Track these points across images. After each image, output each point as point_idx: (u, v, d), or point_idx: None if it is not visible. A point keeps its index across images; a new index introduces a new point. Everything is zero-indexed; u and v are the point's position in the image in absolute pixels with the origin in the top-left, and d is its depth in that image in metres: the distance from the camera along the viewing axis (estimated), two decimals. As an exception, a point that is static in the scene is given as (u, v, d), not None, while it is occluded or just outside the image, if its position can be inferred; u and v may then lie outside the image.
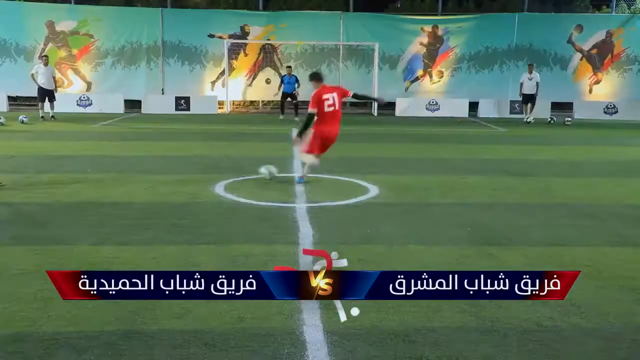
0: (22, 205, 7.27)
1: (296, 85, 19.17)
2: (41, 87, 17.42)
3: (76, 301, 4.31)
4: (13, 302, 4.30)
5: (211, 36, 21.98)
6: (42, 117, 17.41)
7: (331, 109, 8.45)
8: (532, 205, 7.85)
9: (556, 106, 21.82)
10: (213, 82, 22.26)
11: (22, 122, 16.49)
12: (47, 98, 17.56)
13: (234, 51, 22.02)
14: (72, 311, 4.16)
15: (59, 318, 4.05)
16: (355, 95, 8.97)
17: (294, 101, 19.42)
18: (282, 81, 19.58)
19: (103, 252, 5.51)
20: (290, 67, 20.13)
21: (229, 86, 21.64)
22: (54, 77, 17.88)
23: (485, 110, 21.60)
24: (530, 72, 19.61)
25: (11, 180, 8.54)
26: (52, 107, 17.72)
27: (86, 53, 21.91)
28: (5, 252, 5.45)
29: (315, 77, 8.62)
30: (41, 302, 4.30)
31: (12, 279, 4.76)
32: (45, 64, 17.67)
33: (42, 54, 18.95)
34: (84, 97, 20.98)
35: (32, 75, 17.54)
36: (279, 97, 20.61)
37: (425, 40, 22.51)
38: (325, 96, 8.45)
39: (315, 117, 8.45)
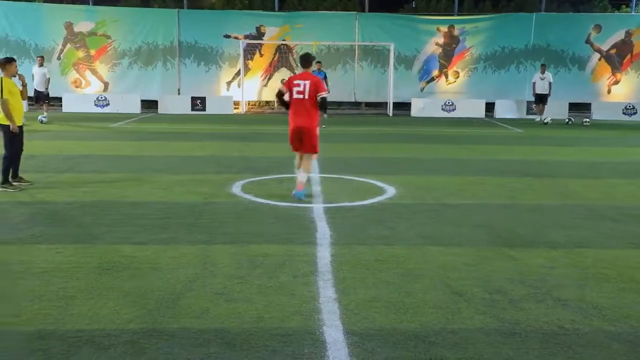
0: (43, 204, 7.36)
1: (325, 80, 18.97)
2: (35, 89, 17.22)
3: (97, 299, 4.39)
4: (36, 300, 4.35)
5: (227, 37, 22.08)
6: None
7: (299, 96, 7.64)
8: (551, 206, 7.78)
9: (574, 107, 21.61)
10: (229, 83, 22.36)
11: (42, 122, 16.66)
12: (40, 99, 17.34)
13: (250, 52, 22.10)
14: (93, 309, 4.20)
15: (81, 316, 4.09)
16: (322, 100, 7.70)
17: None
18: None
19: (123, 251, 5.55)
20: (319, 62, 19.31)
21: (245, 86, 21.72)
22: (48, 78, 17.47)
23: (502, 110, 21.46)
24: (543, 72, 19.49)
25: (32, 180, 8.63)
26: (45, 109, 17.30)
27: (103, 54, 22.13)
28: (27, 251, 5.52)
29: (300, 60, 8.03)
30: (63, 300, 4.35)
31: (34, 277, 4.82)
32: (40, 65, 17.39)
33: (38, 55, 18.64)
34: (101, 98, 21.18)
35: (33, 76, 17.31)
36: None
37: (441, 40, 22.42)
38: (297, 81, 7.72)
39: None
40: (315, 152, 7.93)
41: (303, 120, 7.70)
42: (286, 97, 7.83)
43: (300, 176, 7.83)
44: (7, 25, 21.69)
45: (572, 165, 11.27)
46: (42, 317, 4.07)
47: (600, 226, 6.80)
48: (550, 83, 19.32)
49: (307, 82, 7.62)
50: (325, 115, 18.93)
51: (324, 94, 7.73)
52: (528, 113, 21.05)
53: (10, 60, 8.37)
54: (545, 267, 5.32)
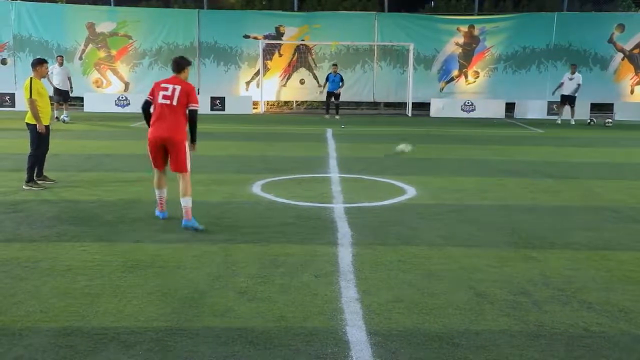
0: (67, 203, 7.46)
1: (340, 84, 19.42)
2: (56, 87, 17.22)
3: (122, 297, 4.44)
4: (62, 297, 4.42)
5: (246, 37, 22.16)
6: (57, 117, 16.90)
7: (166, 101, 6.30)
8: (574, 208, 7.70)
9: (596, 107, 21.34)
10: (248, 83, 22.44)
11: (64, 121, 16.88)
12: (61, 98, 17.38)
13: (269, 52, 22.16)
14: (118, 307, 4.25)
15: (106, 313, 4.14)
16: (192, 113, 6.37)
17: (335, 101, 19.73)
18: (327, 79, 19.85)
19: (146, 249, 5.61)
20: (335, 64, 20.12)
21: (264, 86, 21.79)
22: (69, 78, 17.59)
23: (522, 111, 21.27)
24: (573, 73, 19.19)
25: (55, 178, 8.75)
26: (65, 108, 17.43)
27: (124, 54, 22.34)
28: (53, 249, 5.60)
29: (172, 64, 6.53)
30: (88, 298, 4.41)
31: (60, 275, 4.89)
32: (60, 64, 17.53)
33: (58, 55, 18.74)
34: (122, 97, 21.39)
35: (48, 76, 17.19)
36: (320, 97, 20.85)
37: (460, 40, 22.26)
38: (164, 85, 6.39)
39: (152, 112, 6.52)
40: (185, 172, 6.46)
41: (168, 129, 6.31)
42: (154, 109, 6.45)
43: (184, 201, 6.40)
44: (31, 25, 22.00)
45: (595, 166, 11.13)
46: (69, 314, 4.13)
47: (625, 228, 6.70)
48: (578, 85, 19.01)
49: (178, 87, 6.31)
50: (337, 117, 19.20)
51: (195, 107, 6.35)
52: (549, 113, 20.83)
53: (41, 62, 8.46)
54: (568, 269, 5.27)
